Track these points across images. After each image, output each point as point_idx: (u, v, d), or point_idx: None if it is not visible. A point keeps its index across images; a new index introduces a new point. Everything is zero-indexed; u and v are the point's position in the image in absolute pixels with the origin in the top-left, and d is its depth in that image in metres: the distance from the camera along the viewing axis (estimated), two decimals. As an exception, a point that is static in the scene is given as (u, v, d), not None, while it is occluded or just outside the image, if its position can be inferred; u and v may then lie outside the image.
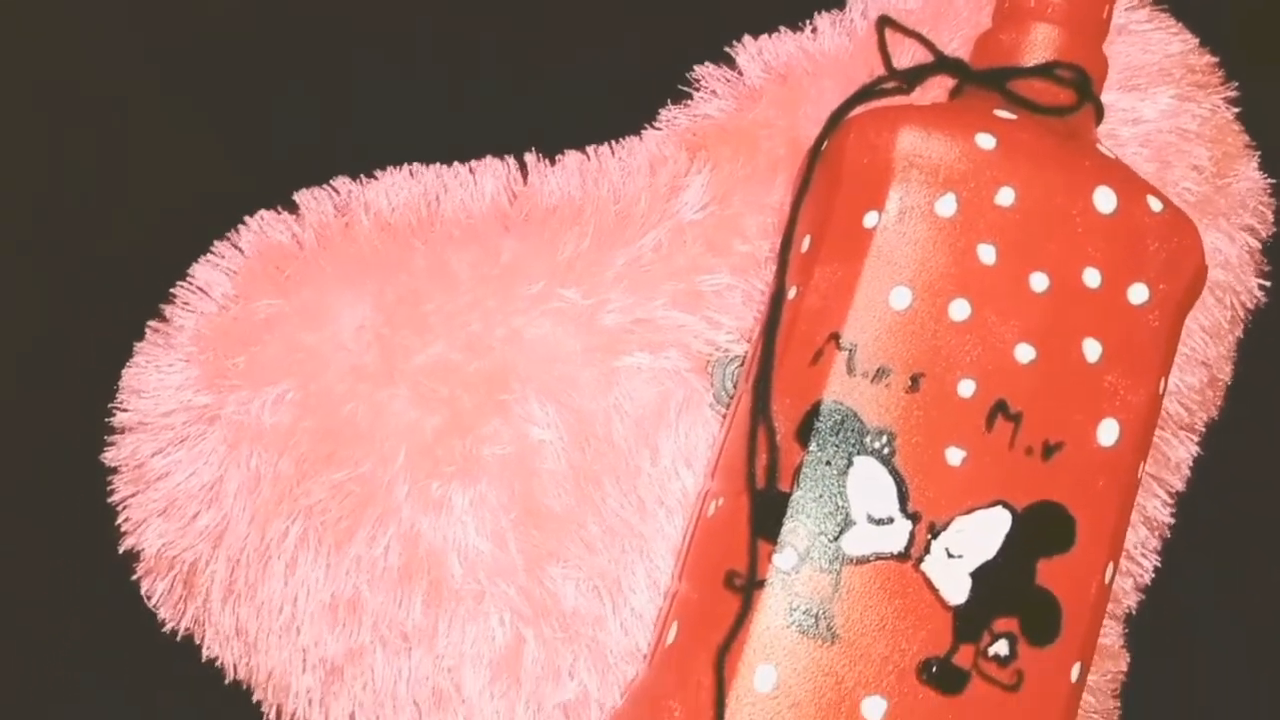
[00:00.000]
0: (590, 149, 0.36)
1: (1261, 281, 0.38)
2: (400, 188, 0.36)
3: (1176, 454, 0.37)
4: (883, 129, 0.29)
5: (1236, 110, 0.38)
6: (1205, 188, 0.37)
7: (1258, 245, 0.38)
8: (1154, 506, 0.36)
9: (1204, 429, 0.37)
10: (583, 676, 0.33)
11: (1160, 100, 0.37)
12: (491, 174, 0.36)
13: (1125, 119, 0.37)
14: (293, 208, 0.36)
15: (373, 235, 0.35)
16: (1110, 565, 0.29)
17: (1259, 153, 0.38)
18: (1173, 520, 0.37)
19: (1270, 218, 0.38)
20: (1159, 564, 0.37)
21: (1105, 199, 0.29)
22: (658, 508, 0.34)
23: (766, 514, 0.28)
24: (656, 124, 0.37)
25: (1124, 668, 0.36)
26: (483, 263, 0.35)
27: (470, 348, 0.34)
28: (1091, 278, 0.29)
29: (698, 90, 0.38)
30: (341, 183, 0.36)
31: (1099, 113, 0.32)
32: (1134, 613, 0.37)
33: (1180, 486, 0.37)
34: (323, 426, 0.34)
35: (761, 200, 0.35)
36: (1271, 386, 0.39)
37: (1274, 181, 0.38)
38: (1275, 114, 0.38)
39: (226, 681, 0.35)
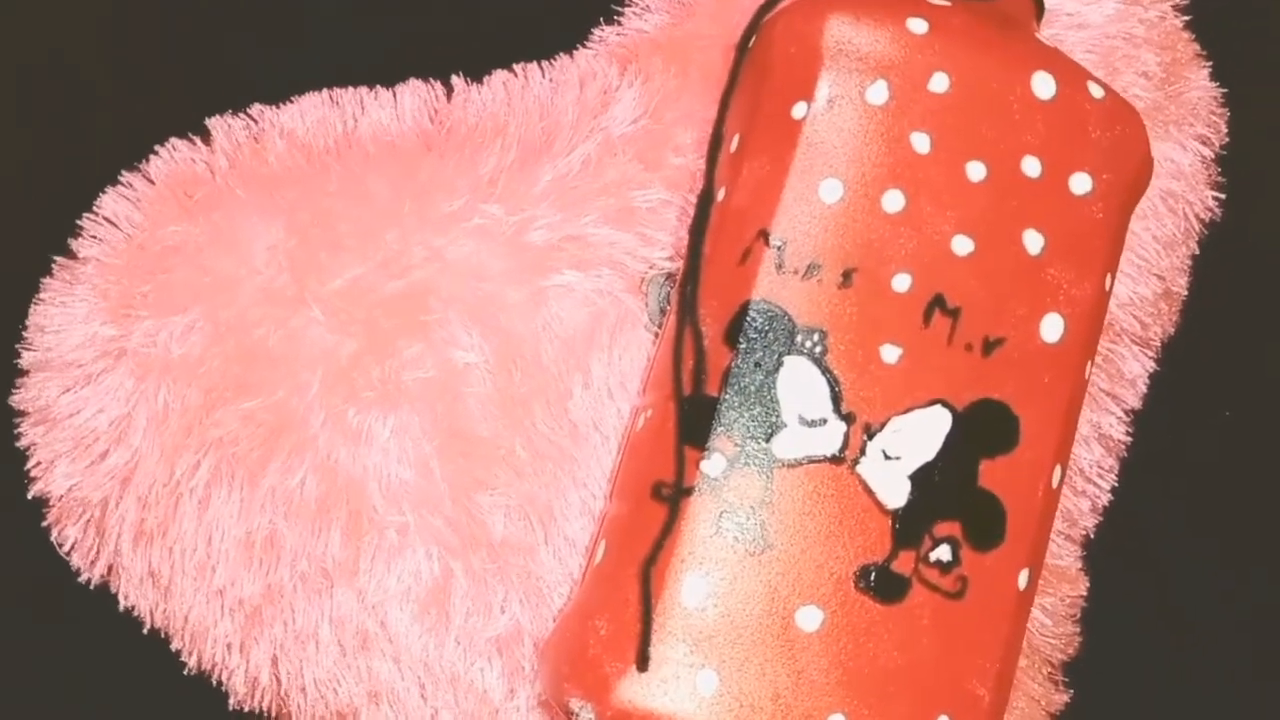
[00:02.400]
0: (518, 67, 0.35)
1: (1215, 194, 0.37)
2: (316, 110, 0.35)
3: (1131, 369, 0.36)
4: (811, 16, 0.28)
5: (1185, 19, 0.37)
6: (1155, 94, 0.36)
7: (1211, 155, 0.37)
8: (1109, 424, 0.36)
9: (1160, 344, 0.36)
10: (514, 609, 0.32)
11: (1106, 5, 0.36)
12: (413, 93, 0.35)
13: (1070, 24, 0.36)
14: (206, 135, 0.35)
15: (286, 157, 0.34)
16: (1058, 467, 0.28)
17: (1210, 63, 0.38)
18: (1129, 438, 0.36)
19: (1223, 128, 0.38)
20: (1116, 484, 0.36)
21: (1044, 84, 0.28)
22: (591, 432, 0.32)
23: (694, 420, 0.27)
24: (588, 43, 0.36)
25: (1083, 591, 0.36)
26: (400, 180, 0.33)
27: (388, 268, 0.32)
28: (1031, 166, 0.28)
29: (631, 7, 0.36)
30: (256, 109, 0.35)
31: (1040, 8, 0.31)
32: (1092, 535, 0.36)
33: (1136, 403, 0.36)
34: (233, 354, 0.32)
35: (696, 112, 0.34)
36: (1228, 303, 0.39)
37: (1226, 91, 0.37)
38: (1226, 23, 0.38)
39: (145, 631, 0.33)
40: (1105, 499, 0.36)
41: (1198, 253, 0.37)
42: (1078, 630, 0.36)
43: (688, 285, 0.28)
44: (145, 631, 0.33)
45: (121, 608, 0.33)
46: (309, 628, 0.32)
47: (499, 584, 0.32)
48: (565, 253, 0.33)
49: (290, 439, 0.32)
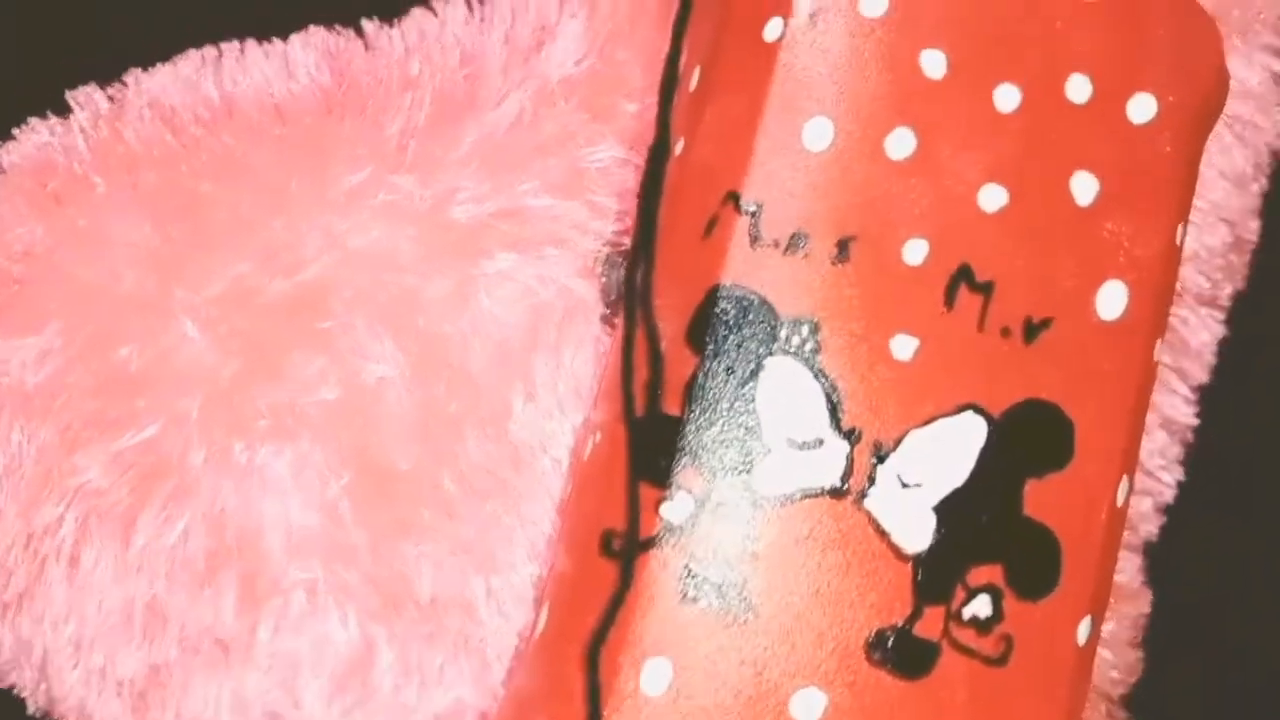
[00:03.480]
0: (438, 3, 0.30)
1: None
2: (191, 72, 0.29)
3: (1198, 337, 0.30)
4: None
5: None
6: None
7: None
8: (1173, 405, 0.30)
9: (1229, 303, 0.31)
10: (453, 681, 0.27)
11: (1153, -110, 0.30)
12: (308, 43, 0.30)
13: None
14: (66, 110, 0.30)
15: (151, 132, 0.29)
16: (1124, 481, 0.23)
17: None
18: (1197, 421, 0.30)
19: None
20: (1183, 478, 0.30)
21: None
22: (539, 456, 0.28)
23: (650, 449, 0.22)
24: None
25: (1146, 609, 0.30)
26: (288, 153, 0.28)
27: (274, 264, 0.27)
28: (1078, 88, 0.23)
29: None
30: (130, 76, 0.29)
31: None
32: (1155, 540, 0.30)
33: (1204, 377, 0.31)
34: (94, 381, 0.27)
35: (654, 48, 0.28)
36: None
37: None
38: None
39: (31, 711, 0.29)
40: (1170, 494, 0.31)
41: (1268, 190, 0.32)
42: (1141, 655, 0.30)
43: (638, 269, 0.23)
44: (32, 714, 0.29)
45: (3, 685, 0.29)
46: (207, 712, 0.27)
47: (433, 651, 0.27)
48: (497, 231, 0.28)
49: (167, 484, 0.27)
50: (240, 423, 0.27)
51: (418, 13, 0.30)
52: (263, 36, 0.31)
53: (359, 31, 0.30)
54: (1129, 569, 0.31)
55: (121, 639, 0.28)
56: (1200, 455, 0.31)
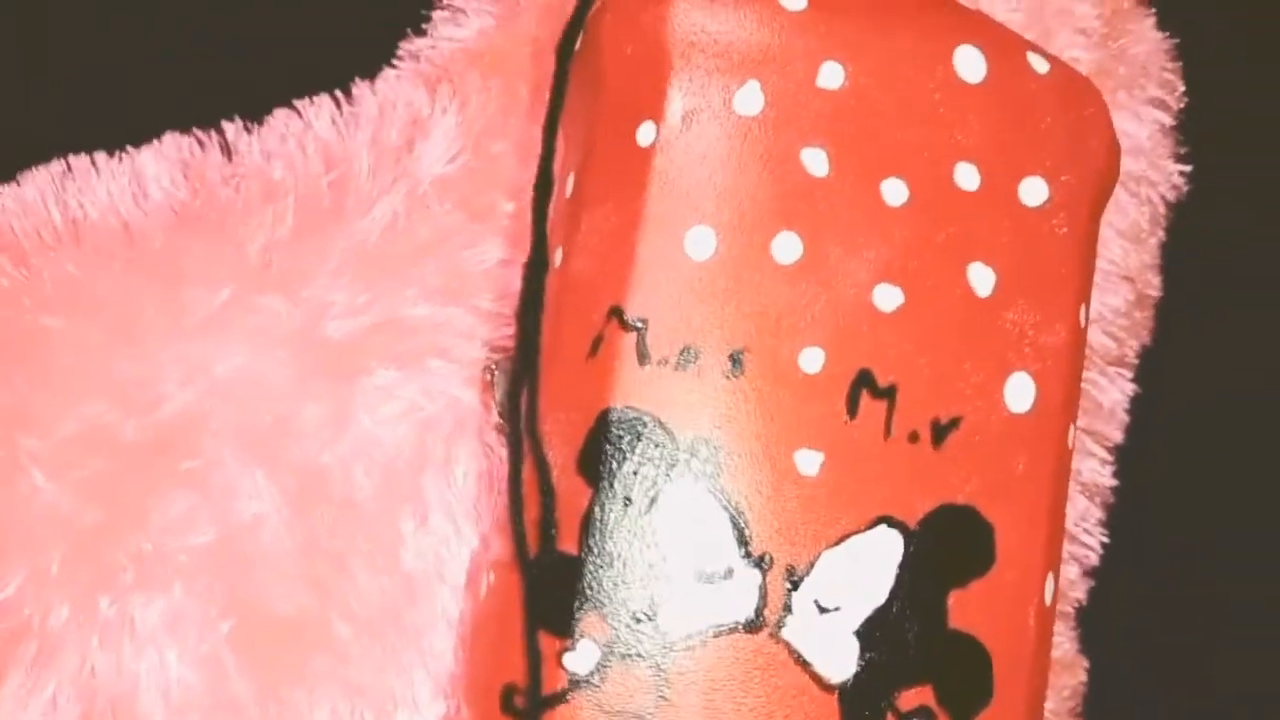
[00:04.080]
0: (303, 103, 0.28)
1: (1181, 168, 0.31)
2: (33, 192, 0.27)
3: (1109, 398, 0.30)
4: (648, 2, 0.21)
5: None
6: (1098, 54, 0.30)
7: (1170, 122, 0.31)
8: (1091, 469, 0.30)
9: (1137, 360, 0.31)
10: None
11: (1025, -50, 0.30)
12: (162, 154, 0.28)
13: (986, -22, 0.30)
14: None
15: None
16: (1050, 578, 0.22)
17: (1154, 8, 0.32)
18: (1116, 482, 0.30)
19: (1179, 86, 0.32)
20: (1106, 539, 0.30)
21: (970, 62, 0.22)
22: (435, 585, 0.26)
23: (547, 593, 0.20)
24: (397, 60, 0.29)
25: (1083, 677, 0.30)
26: (137, 278, 0.26)
27: (130, 402, 0.25)
28: (966, 177, 0.22)
29: (443, 9, 0.29)
30: None
31: (949, -41, 0.25)
32: (1085, 605, 0.30)
33: (1119, 437, 0.30)
34: None
35: (530, 139, 0.27)
36: (1207, 297, 0.33)
37: (1178, 41, 0.31)
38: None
39: None
40: (1095, 558, 0.30)
41: (1166, 240, 0.32)
42: (1083, 727, 0.30)
43: (517, 393, 0.21)
44: None
45: None
46: None
47: (334, 809, 0.25)
48: (375, 345, 0.26)
49: (30, 647, 0.25)
50: (105, 575, 0.25)
51: (281, 113, 0.28)
52: (114, 143, 0.29)
53: (219, 131, 0.28)
54: (1063, 640, 0.30)
55: (-14, 827, 0.26)
56: (1119, 515, 0.31)
